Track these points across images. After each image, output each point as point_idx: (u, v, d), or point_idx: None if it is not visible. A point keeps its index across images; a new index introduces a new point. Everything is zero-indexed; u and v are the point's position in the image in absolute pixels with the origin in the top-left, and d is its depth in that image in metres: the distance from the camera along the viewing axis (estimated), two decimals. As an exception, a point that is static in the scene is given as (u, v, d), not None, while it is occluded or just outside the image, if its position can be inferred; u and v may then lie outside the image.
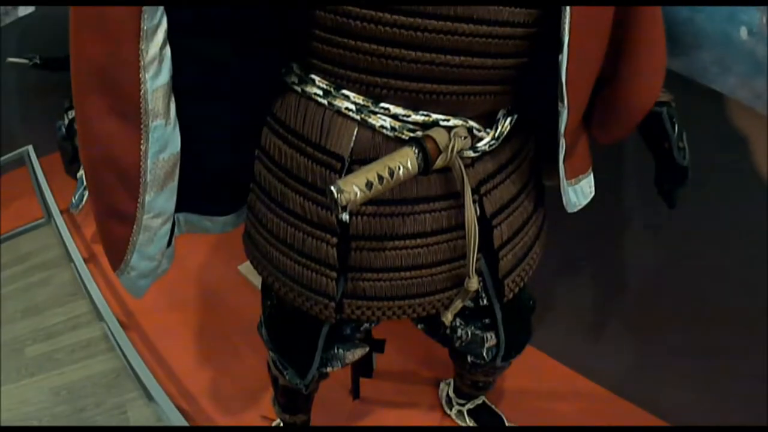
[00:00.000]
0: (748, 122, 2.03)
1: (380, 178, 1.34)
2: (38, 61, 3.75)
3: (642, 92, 1.62)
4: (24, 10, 4.22)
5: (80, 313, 3.36)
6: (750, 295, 2.13)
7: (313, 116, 1.49)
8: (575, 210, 1.70)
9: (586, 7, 1.35)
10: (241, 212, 1.76)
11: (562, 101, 1.44)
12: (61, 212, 3.68)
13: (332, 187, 1.29)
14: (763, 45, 1.88)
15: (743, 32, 1.93)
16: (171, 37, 1.36)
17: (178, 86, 1.42)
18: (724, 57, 1.96)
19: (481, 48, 1.36)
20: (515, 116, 1.58)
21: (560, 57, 1.38)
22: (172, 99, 1.42)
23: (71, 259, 3.36)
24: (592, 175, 1.74)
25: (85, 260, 3.32)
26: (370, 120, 1.44)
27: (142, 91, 1.34)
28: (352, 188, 1.30)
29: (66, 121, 3.43)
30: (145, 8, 1.28)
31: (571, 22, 1.34)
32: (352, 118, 1.45)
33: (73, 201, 3.19)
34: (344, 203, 1.29)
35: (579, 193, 1.68)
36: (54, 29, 4.04)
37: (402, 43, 1.33)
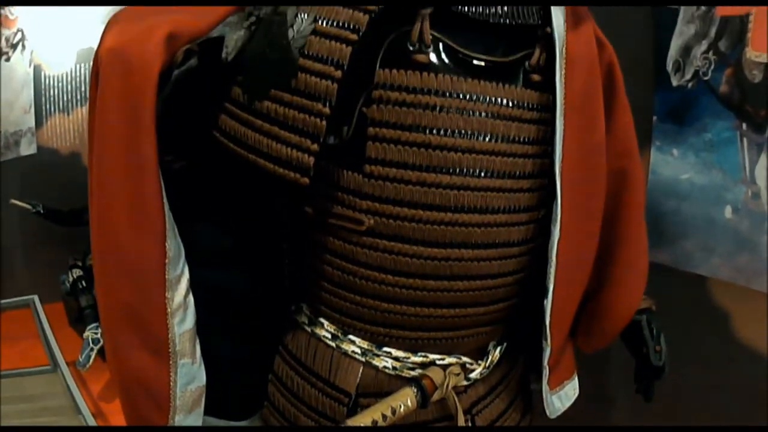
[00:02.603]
0: (729, 297, 2.10)
1: (384, 416, 1.41)
2: (41, 210, 3.79)
3: (624, 305, 1.70)
4: (26, 150, 4.33)
5: (93, 463, 3.38)
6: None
7: (323, 356, 1.56)
8: (558, 415, 1.75)
9: (571, 254, 1.45)
10: (256, 419, 1.81)
11: (546, 340, 1.53)
12: (67, 363, 3.69)
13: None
14: (746, 221, 1.96)
15: (728, 211, 2.01)
16: (191, 275, 1.44)
17: (199, 323, 1.49)
18: (707, 241, 2.05)
19: (474, 299, 1.45)
20: (504, 345, 1.65)
21: (545, 302, 1.48)
22: (197, 340, 1.48)
23: (80, 412, 3.38)
24: (576, 378, 1.81)
25: (93, 415, 3.34)
26: (374, 362, 1.52)
27: (170, 335, 1.40)
28: (359, 428, 1.38)
29: (70, 278, 3.49)
30: (168, 260, 1.35)
31: (556, 272, 1.44)
32: (358, 360, 1.53)
33: (80, 360, 3.23)
34: None
35: (563, 397, 1.74)
36: (56, 176, 4.18)
37: (402, 300, 1.42)
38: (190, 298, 1.43)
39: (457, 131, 1.31)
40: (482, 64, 1.34)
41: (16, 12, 4.60)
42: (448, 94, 1.30)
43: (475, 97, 1.32)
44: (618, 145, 1.57)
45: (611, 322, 1.71)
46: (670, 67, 2.09)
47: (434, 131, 1.30)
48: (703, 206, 2.06)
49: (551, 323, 1.49)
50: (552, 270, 1.43)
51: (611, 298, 1.67)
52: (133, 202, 1.31)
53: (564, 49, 1.39)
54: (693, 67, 2.05)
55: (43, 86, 4.34)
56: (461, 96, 1.31)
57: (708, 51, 2.03)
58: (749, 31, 1.96)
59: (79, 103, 4.25)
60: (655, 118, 2.11)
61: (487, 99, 1.33)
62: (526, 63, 1.38)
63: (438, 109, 1.30)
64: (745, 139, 1.99)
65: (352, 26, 1.24)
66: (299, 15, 1.29)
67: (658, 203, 2.10)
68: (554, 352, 1.56)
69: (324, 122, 1.24)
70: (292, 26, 1.29)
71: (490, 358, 1.61)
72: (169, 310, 1.38)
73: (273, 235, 1.53)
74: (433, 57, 1.31)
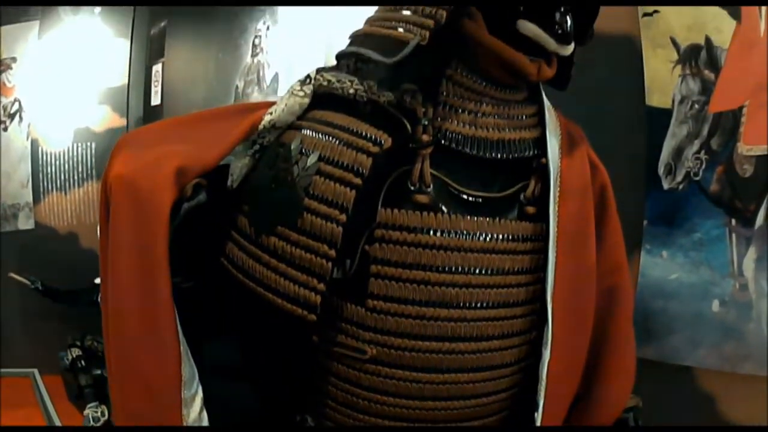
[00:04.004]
0: (713, 382, 2.14)
1: None
2: (39, 287, 3.86)
3: (611, 408, 1.73)
4: (24, 224, 4.36)
5: None
6: None
7: None
8: None
9: (560, 371, 1.49)
10: None
11: None
12: (67, 434, 3.72)
13: None
14: (733, 311, 2.01)
15: (715, 305, 2.06)
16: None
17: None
18: (694, 334, 2.10)
19: (469, 415, 1.49)
20: None
21: (536, 414, 1.51)
22: None
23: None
24: None
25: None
26: None
27: None
28: None
29: (69, 357, 3.58)
30: (183, 382, 1.39)
31: (546, 388, 1.48)
32: None
33: (81, 435, 3.28)
34: None
35: None
36: (54, 254, 4.21)
37: (401, 419, 1.45)
38: (204, 413, 1.47)
39: (454, 268, 1.36)
40: (479, 200, 1.40)
41: (13, 80, 4.66)
42: (446, 233, 1.36)
43: (472, 235, 1.37)
44: (608, 263, 1.62)
45: (600, 419, 1.72)
46: (661, 170, 2.15)
47: (433, 269, 1.35)
48: (691, 303, 2.10)
49: None
50: (542, 387, 1.47)
51: (599, 402, 1.69)
52: (149, 332, 1.37)
53: (558, 178, 1.44)
54: (684, 168, 2.11)
55: (40, 162, 4.40)
56: (459, 234, 1.36)
57: (700, 151, 2.09)
58: (742, 125, 2.02)
59: (76, 184, 4.31)
60: (645, 222, 2.17)
61: (484, 235, 1.38)
62: (522, 195, 1.44)
63: (437, 248, 1.35)
64: (734, 235, 2.05)
65: (356, 169, 1.30)
66: (303, 149, 1.35)
67: (646, 303, 2.14)
68: None
69: (330, 264, 1.30)
70: (296, 163, 1.34)
71: None
72: (185, 424, 1.42)
73: (278, 353, 1.56)
74: (432, 196, 1.36)
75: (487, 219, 1.39)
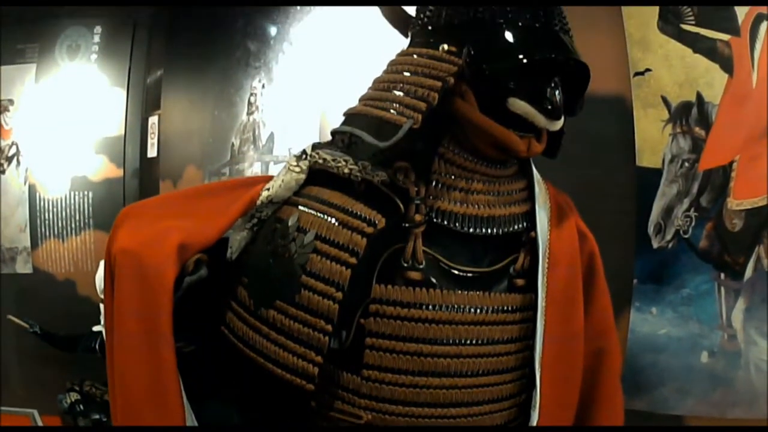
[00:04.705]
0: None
1: None
2: (38, 331, 3.88)
3: None
4: (22, 268, 4.38)
5: None
6: None
7: None
8: None
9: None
10: None
11: None
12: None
13: None
14: (722, 361, 2.03)
15: (704, 356, 2.08)
16: None
17: None
18: (683, 385, 2.13)
19: None
20: None
21: None
22: None
23: None
24: None
25: None
26: None
27: None
28: None
29: (68, 400, 3.62)
30: (186, 416, 1.44)
31: None
32: None
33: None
34: None
35: None
36: (52, 300, 4.23)
37: None
38: None
39: (446, 340, 1.41)
40: (470, 275, 1.45)
41: (10, 123, 4.67)
42: (438, 307, 1.40)
43: (463, 308, 1.42)
44: (596, 327, 1.65)
45: None
46: (651, 230, 2.18)
47: (426, 341, 1.40)
48: (680, 356, 2.13)
49: None
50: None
51: None
52: (154, 396, 1.42)
53: (547, 250, 1.49)
54: (674, 227, 2.15)
55: (38, 208, 4.40)
56: (450, 308, 1.41)
57: (689, 209, 2.13)
58: (732, 180, 2.06)
59: (73, 232, 4.32)
60: (635, 281, 2.19)
61: (474, 309, 1.43)
62: (511, 268, 1.49)
63: (429, 321, 1.40)
64: (722, 288, 2.08)
65: (351, 249, 1.35)
66: (300, 227, 1.40)
67: (636, 359, 2.17)
68: None
69: (327, 338, 1.35)
70: (294, 240, 1.39)
71: None
72: None
73: (277, 416, 1.59)
74: (424, 272, 1.41)
75: (478, 293, 1.44)
